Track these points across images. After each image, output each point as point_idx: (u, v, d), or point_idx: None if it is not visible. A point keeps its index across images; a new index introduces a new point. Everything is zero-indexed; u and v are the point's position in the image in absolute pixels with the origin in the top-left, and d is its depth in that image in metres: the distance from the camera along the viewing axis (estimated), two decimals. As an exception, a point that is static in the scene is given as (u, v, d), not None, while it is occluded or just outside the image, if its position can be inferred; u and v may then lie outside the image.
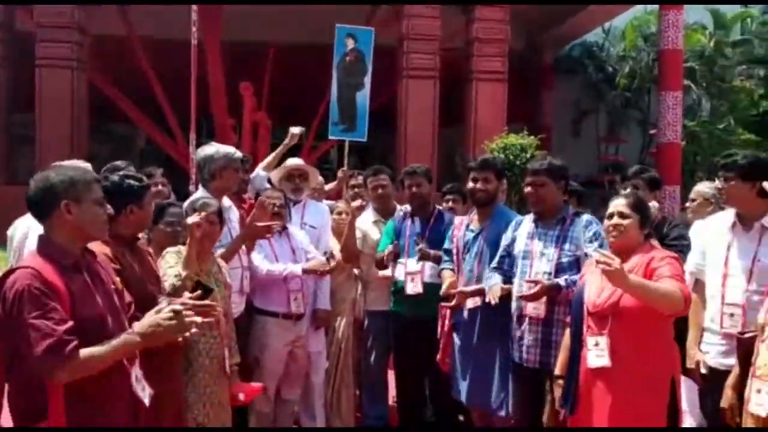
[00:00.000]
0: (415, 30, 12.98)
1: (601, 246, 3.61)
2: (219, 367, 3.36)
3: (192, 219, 3.33)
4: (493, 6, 13.11)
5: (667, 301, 2.90)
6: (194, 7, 7.56)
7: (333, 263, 4.45)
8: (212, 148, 4.23)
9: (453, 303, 3.98)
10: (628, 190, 4.36)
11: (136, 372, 2.41)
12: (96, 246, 2.56)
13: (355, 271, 5.00)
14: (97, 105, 14.05)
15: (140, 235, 3.09)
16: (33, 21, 12.80)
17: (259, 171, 5.01)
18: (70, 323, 2.17)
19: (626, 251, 3.10)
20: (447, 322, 4.23)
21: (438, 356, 4.26)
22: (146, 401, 2.43)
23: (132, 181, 2.93)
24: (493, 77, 13.31)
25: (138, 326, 2.29)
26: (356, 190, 5.46)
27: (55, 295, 2.17)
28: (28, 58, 12.96)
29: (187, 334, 2.35)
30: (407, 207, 4.82)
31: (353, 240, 4.82)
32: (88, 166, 3.65)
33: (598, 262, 2.89)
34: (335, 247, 4.85)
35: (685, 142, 15.48)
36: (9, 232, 4.05)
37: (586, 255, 3.62)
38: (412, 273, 4.54)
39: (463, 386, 4.09)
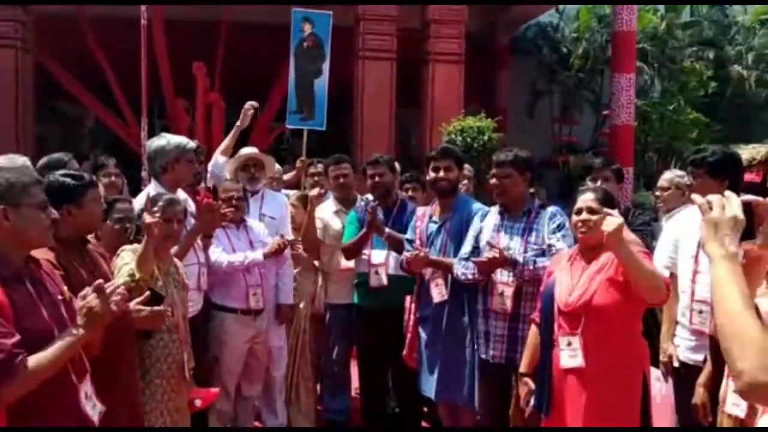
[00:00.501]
0: (371, 11, 12.76)
1: (564, 237, 3.58)
2: (178, 373, 3.23)
3: (149, 218, 3.17)
4: (451, -16, 12.98)
5: (654, 281, 2.85)
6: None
7: (290, 237, 4.34)
8: (163, 140, 4.04)
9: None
10: (598, 183, 4.31)
11: (86, 389, 2.26)
12: (39, 252, 2.40)
13: (315, 262, 4.90)
14: (43, 84, 13.53)
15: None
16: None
17: (218, 157, 4.83)
18: (17, 337, 2.02)
19: (597, 247, 3.06)
20: (413, 316, 4.17)
21: (404, 351, 4.20)
22: (95, 420, 2.28)
23: (69, 180, 2.73)
24: (450, 59, 13.19)
25: (73, 323, 2.18)
26: (316, 178, 5.34)
27: None
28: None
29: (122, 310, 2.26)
30: (369, 196, 4.73)
31: (313, 230, 4.72)
32: (25, 161, 3.45)
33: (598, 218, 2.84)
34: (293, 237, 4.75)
35: (637, 122, 15.68)
36: None
37: (550, 247, 3.58)
38: (376, 265, 4.47)
39: (431, 381, 4.05)
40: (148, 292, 2.68)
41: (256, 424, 4.72)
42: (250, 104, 5.09)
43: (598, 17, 18.84)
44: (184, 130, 12.36)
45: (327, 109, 5.59)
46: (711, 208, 1.61)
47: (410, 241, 4.26)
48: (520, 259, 3.58)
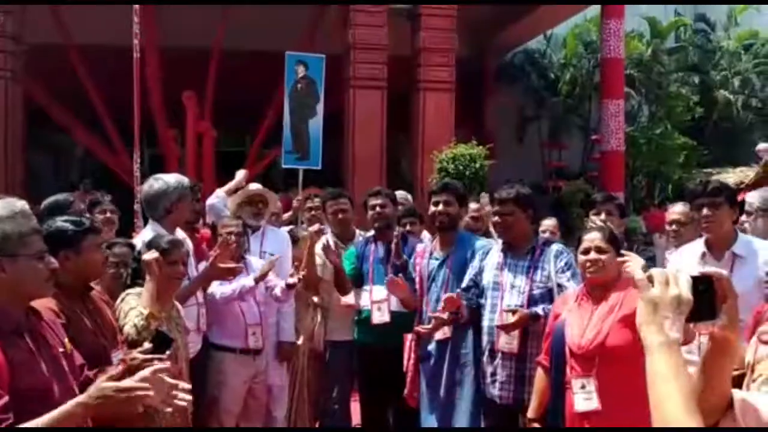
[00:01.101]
0: (362, 39, 12.83)
1: (573, 276, 3.55)
2: (182, 420, 3.15)
3: (149, 255, 3.11)
4: (439, 16, 13.09)
5: None
6: (135, 11, 7.24)
7: (295, 278, 4.29)
8: (161, 182, 3.94)
9: (430, 326, 3.79)
10: (602, 216, 4.21)
11: None
12: (40, 300, 2.33)
13: (315, 299, 4.83)
14: (32, 114, 13.46)
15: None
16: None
17: (219, 194, 4.78)
18: (4, 400, 1.91)
19: (604, 286, 3.02)
20: (413, 354, 4.11)
21: (405, 391, 4.13)
22: None
23: (66, 225, 2.66)
24: (440, 87, 13.25)
25: (85, 395, 2.02)
26: (313, 212, 5.29)
27: None
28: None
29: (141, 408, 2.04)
30: (368, 234, 4.69)
31: (313, 266, 4.66)
32: (23, 206, 3.38)
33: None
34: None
35: (625, 147, 15.80)
36: None
37: (559, 286, 3.55)
38: (378, 301, 4.39)
39: (433, 421, 3.98)
40: (156, 342, 2.59)
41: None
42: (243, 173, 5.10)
43: (584, 43, 19.06)
44: (175, 160, 12.34)
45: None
46: (651, 284, 1.34)
47: (411, 280, 4.21)
48: (540, 311, 3.48)
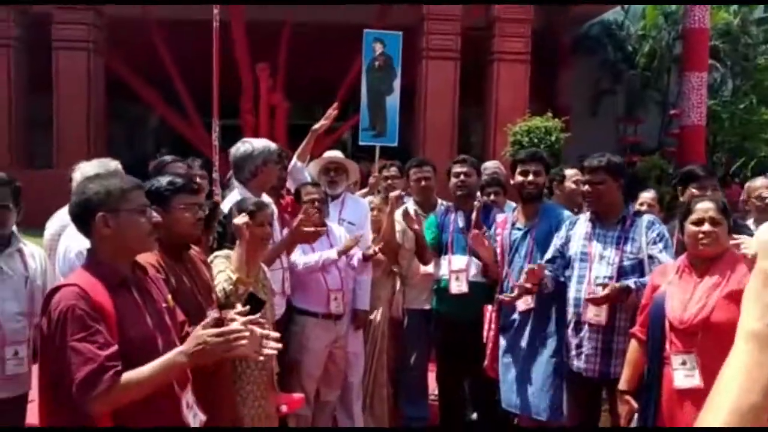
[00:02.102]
0: (435, 10, 12.68)
1: (666, 248, 3.42)
2: (268, 379, 3.21)
3: (239, 219, 3.15)
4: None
5: None
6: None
7: (372, 249, 4.29)
8: (248, 146, 4.01)
9: (514, 295, 3.74)
10: (708, 192, 3.97)
11: (187, 398, 2.24)
12: (143, 255, 2.39)
13: (393, 267, 4.83)
14: (112, 86, 13.88)
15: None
16: (49, 4, 12.61)
17: (296, 162, 4.80)
18: (114, 348, 2.00)
19: (709, 259, 2.88)
20: (493, 325, 4.06)
21: (485, 362, 4.10)
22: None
23: (158, 183, 2.71)
24: (515, 58, 13.01)
25: (184, 345, 2.09)
26: (389, 181, 5.26)
27: (101, 317, 2.01)
28: (45, 40, 12.80)
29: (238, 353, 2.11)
30: (449, 203, 4.63)
31: (392, 233, 4.65)
32: (117, 165, 3.48)
33: None
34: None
35: (706, 122, 15.20)
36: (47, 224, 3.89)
37: (650, 258, 3.43)
38: (457, 271, 4.36)
39: (512, 393, 3.94)
40: (249, 304, 2.62)
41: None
42: (319, 125, 5.00)
43: (665, 14, 18.30)
44: (250, 131, 12.52)
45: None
46: None
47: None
48: (631, 284, 3.36)
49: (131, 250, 2.21)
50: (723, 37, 17.08)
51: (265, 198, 4.01)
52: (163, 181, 2.72)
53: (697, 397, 2.76)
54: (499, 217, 4.28)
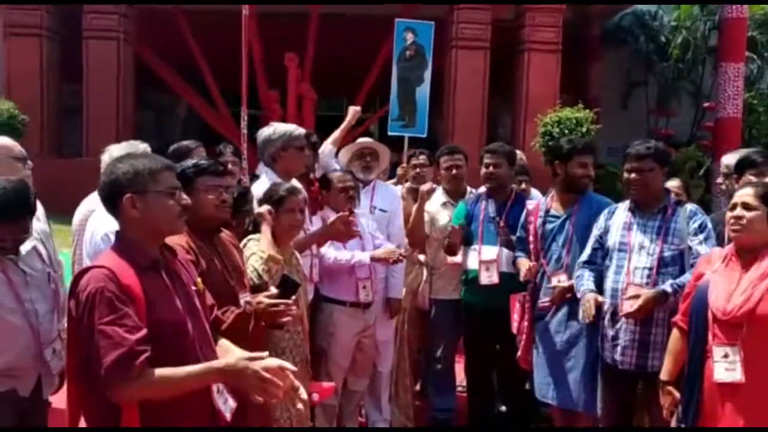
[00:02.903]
0: (466, -1, 12.52)
1: (706, 239, 3.30)
2: (302, 366, 3.15)
3: (261, 209, 3.12)
4: (547, -26, 12.58)
5: None
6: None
7: (404, 252, 4.22)
8: (269, 129, 3.99)
9: (553, 296, 3.72)
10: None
11: (218, 384, 2.18)
12: (173, 237, 2.35)
13: (421, 257, 4.75)
14: (140, 75, 13.97)
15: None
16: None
17: (327, 145, 4.72)
18: (143, 332, 1.96)
19: (751, 249, 2.74)
20: (527, 315, 3.96)
21: (519, 353, 4.01)
22: (227, 415, 2.21)
23: (183, 165, 2.68)
24: (546, 48, 12.83)
25: (224, 363, 2.03)
26: (418, 170, 5.18)
27: (129, 299, 1.97)
28: (76, 30, 12.91)
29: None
30: (481, 189, 4.54)
31: (421, 223, 4.58)
32: (146, 148, 3.44)
33: None
34: (401, 232, 4.62)
35: (742, 114, 14.87)
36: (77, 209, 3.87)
37: (690, 249, 3.31)
38: (487, 261, 4.26)
39: (547, 385, 3.85)
40: (282, 288, 2.56)
41: (360, 420, 4.63)
42: (357, 109, 5.03)
43: (700, 4, 17.90)
44: (276, 121, 12.51)
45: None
46: None
47: (520, 239, 4.06)
48: (668, 288, 3.27)
49: (160, 233, 2.16)
50: (760, 28, 16.66)
51: (296, 183, 3.97)
52: (189, 162, 2.68)
53: (739, 392, 2.65)
54: (530, 204, 4.16)
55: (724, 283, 2.74)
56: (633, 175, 3.48)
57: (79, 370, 2.03)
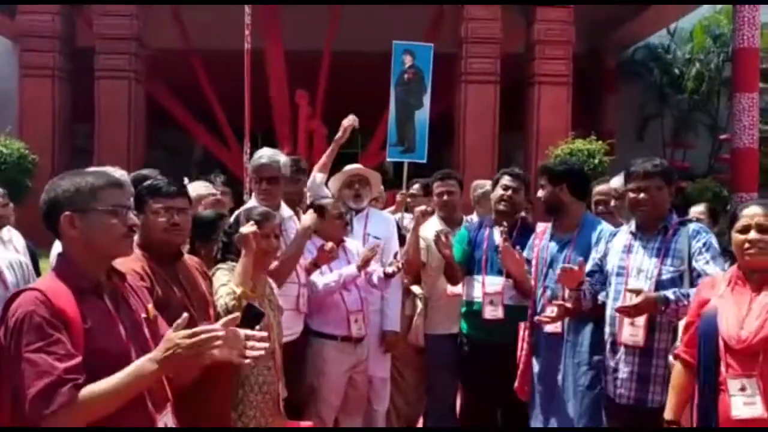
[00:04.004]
0: (475, 33, 12.52)
1: (714, 259, 3.09)
2: (273, 404, 2.96)
3: (246, 228, 2.94)
4: (557, 6, 12.54)
5: None
6: (247, 10, 7.31)
7: (398, 263, 4.02)
8: (255, 155, 3.97)
9: (553, 315, 3.40)
10: None
11: (165, 419, 1.99)
12: (125, 260, 2.20)
13: (415, 288, 4.51)
14: (154, 115, 14.06)
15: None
16: (93, 35, 12.90)
17: (315, 173, 4.56)
18: (76, 360, 1.78)
19: (764, 272, 2.52)
20: (525, 344, 3.75)
21: (516, 383, 3.78)
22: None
23: (141, 185, 2.56)
24: (557, 80, 12.74)
25: (154, 350, 1.86)
26: (410, 200, 5.01)
27: (63, 324, 1.80)
28: (88, 71, 13.06)
29: (214, 358, 1.84)
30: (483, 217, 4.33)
31: (416, 251, 4.38)
32: (122, 173, 3.31)
33: None
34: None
35: (759, 146, 14.65)
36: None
37: (695, 272, 3.10)
38: (491, 294, 3.98)
39: (543, 418, 3.61)
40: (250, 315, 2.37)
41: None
42: (351, 118, 4.80)
43: (713, 37, 17.84)
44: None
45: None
46: None
47: (528, 261, 3.84)
48: (670, 295, 3.01)
49: (103, 254, 1.99)
50: (774, 59, 16.51)
51: (286, 211, 3.85)
52: (144, 183, 2.54)
53: (760, 428, 2.39)
54: (539, 227, 3.93)
55: (733, 309, 2.50)
56: (642, 195, 3.24)
57: (11, 401, 1.85)
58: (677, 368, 2.77)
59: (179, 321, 1.85)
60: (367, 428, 4.28)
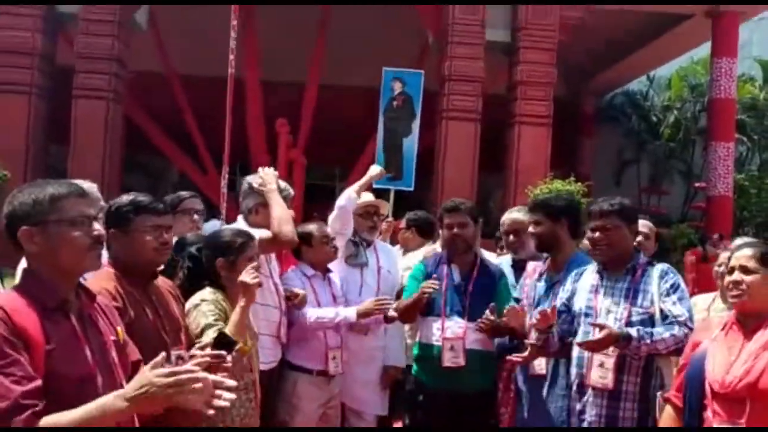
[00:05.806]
0: (458, 71, 12.57)
1: (681, 300, 3.03)
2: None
3: (248, 277, 2.76)
4: (538, 50, 12.70)
5: None
6: (233, 34, 7.23)
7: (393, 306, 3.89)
8: (245, 183, 3.91)
9: (525, 355, 3.25)
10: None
11: None
12: (99, 279, 2.05)
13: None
14: (131, 137, 13.87)
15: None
16: (73, 53, 12.73)
17: (352, 193, 4.11)
18: (35, 383, 1.64)
19: (755, 317, 2.46)
20: (512, 386, 3.62)
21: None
22: None
23: (120, 202, 2.44)
24: (538, 121, 12.83)
25: (127, 386, 1.71)
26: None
27: (23, 344, 1.66)
28: (67, 91, 12.86)
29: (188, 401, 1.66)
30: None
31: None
32: (90, 186, 3.15)
33: None
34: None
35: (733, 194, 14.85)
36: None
37: (662, 313, 3.03)
38: (451, 339, 3.61)
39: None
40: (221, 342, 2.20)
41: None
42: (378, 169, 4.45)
43: (690, 86, 18.23)
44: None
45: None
46: None
47: (517, 300, 3.71)
48: (633, 332, 2.94)
49: (68, 269, 1.84)
50: (748, 111, 16.89)
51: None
52: (125, 199, 2.41)
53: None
54: (530, 266, 3.78)
55: (723, 353, 2.43)
56: (597, 234, 3.16)
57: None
58: (667, 412, 2.69)
59: (157, 359, 1.69)
60: (367, 428, 4.13)
